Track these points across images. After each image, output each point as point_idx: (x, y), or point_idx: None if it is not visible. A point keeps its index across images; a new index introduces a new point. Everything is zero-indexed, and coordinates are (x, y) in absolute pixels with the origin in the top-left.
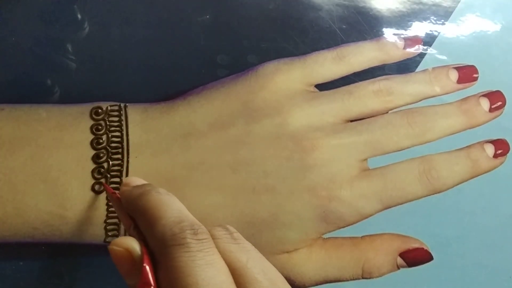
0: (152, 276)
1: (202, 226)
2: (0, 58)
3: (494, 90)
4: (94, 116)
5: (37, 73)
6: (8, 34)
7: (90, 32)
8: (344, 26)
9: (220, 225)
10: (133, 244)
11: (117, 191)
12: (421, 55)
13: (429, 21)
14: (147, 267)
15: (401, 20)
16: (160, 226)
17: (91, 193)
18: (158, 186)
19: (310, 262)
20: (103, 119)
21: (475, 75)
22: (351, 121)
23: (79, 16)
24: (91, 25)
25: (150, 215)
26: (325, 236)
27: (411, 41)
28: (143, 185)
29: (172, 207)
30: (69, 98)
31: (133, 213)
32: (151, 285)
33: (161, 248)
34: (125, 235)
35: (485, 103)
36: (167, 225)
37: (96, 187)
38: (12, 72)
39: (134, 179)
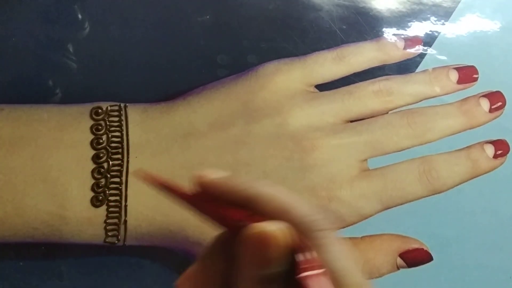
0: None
1: None
2: (0, 58)
3: (494, 90)
4: (94, 116)
5: (38, 73)
6: (9, 34)
7: (91, 32)
8: (344, 27)
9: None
10: (284, 228)
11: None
12: (421, 56)
13: (429, 21)
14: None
15: (401, 20)
16: (296, 211)
17: (91, 193)
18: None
19: None
20: (103, 119)
21: (475, 76)
22: (351, 121)
23: (79, 16)
24: (92, 25)
25: (279, 201)
26: None
27: (411, 41)
28: (231, 175)
29: (292, 195)
30: (69, 98)
31: (243, 201)
32: (321, 266)
33: (304, 233)
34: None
35: (485, 104)
36: (304, 210)
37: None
38: (13, 72)
39: (209, 171)
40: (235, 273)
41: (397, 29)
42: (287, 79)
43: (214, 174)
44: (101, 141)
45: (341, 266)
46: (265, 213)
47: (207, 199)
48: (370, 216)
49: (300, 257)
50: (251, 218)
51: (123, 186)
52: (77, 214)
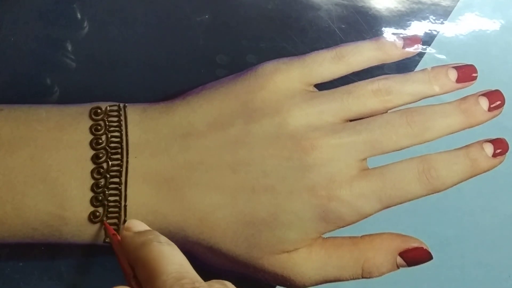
0: None
1: (203, 282)
2: (0, 58)
3: (493, 89)
4: (93, 116)
5: (37, 73)
6: (8, 34)
7: (90, 32)
8: (343, 26)
9: (218, 280)
10: None
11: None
12: (420, 55)
13: (428, 20)
14: None
15: (400, 19)
16: (161, 282)
17: (91, 193)
18: (160, 187)
19: (309, 261)
20: (102, 119)
21: (474, 75)
22: (351, 120)
23: (78, 15)
24: (91, 25)
25: (151, 268)
26: (324, 235)
27: (410, 40)
28: (145, 232)
29: (173, 261)
30: (68, 98)
31: (134, 263)
32: None
33: None
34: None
35: (484, 103)
36: (168, 281)
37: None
38: (11, 72)
39: (136, 223)
40: None
41: (396, 28)
42: (286, 79)
43: (136, 228)
44: (101, 141)
45: None
46: (140, 277)
47: (121, 249)
48: (370, 215)
49: None
50: (131, 281)
51: (123, 186)
52: (76, 214)
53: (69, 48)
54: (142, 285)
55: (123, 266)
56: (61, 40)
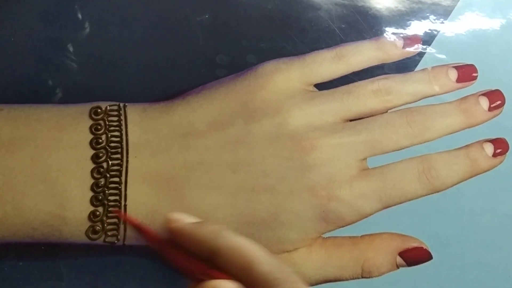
0: None
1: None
2: (1, 58)
3: (493, 89)
4: (93, 116)
5: (38, 73)
6: (8, 34)
7: (91, 32)
8: (343, 26)
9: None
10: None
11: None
12: (420, 54)
13: (428, 20)
14: None
15: (400, 19)
16: (257, 268)
17: (91, 193)
18: (160, 186)
19: (309, 261)
20: (102, 119)
21: (474, 74)
22: (351, 120)
23: (79, 16)
24: (92, 25)
25: (242, 258)
26: (324, 235)
27: (410, 40)
28: (204, 221)
29: (255, 247)
30: (69, 97)
31: (207, 252)
32: None
33: None
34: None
35: (484, 102)
36: (265, 267)
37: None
38: (13, 72)
39: (182, 215)
40: None
41: (396, 28)
42: (286, 79)
43: (186, 219)
44: (101, 141)
45: None
46: (226, 268)
47: (175, 247)
48: (370, 215)
49: None
50: (210, 273)
51: (123, 186)
52: (76, 214)
53: (70, 48)
54: (235, 274)
55: (188, 261)
56: (62, 40)
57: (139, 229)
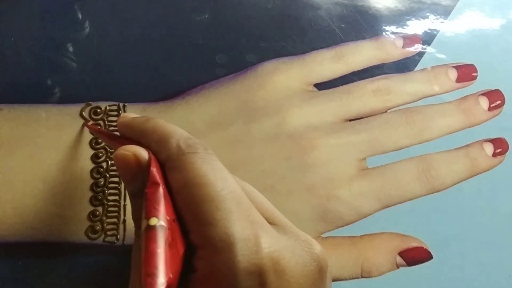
0: (160, 177)
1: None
2: (1, 58)
3: (493, 89)
4: (93, 116)
5: (38, 73)
6: (8, 34)
7: (90, 32)
8: (343, 25)
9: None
10: (140, 150)
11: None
12: (420, 54)
13: (428, 19)
14: (154, 169)
15: (400, 19)
16: (174, 139)
17: (90, 193)
18: None
19: None
20: (102, 119)
21: (474, 74)
22: (350, 120)
23: (79, 16)
24: (92, 25)
25: (161, 132)
26: (324, 235)
27: (410, 40)
28: (143, 116)
29: (178, 129)
30: (68, 97)
31: (138, 136)
32: (159, 184)
33: (176, 156)
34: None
35: (484, 102)
36: (181, 138)
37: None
38: (13, 72)
39: (131, 113)
40: None
41: (396, 28)
42: (286, 78)
43: (132, 115)
44: (100, 140)
45: (202, 180)
46: (149, 145)
47: (122, 139)
48: (369, 214)
49: (151, 172)
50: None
51: (122, 185)
52: (76, 213)
53: (70, 48)
54: (152, 150)
55: (117, 142)
56: (62, 40)
57: (95, 130)
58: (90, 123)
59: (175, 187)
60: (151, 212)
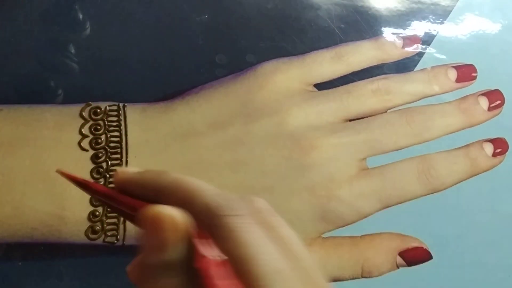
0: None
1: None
2: (1, 58)
3: (493, 89)
4: (92, 116)
5: (38, 74)
6: (9, 35)
7: (91, 33)
8: (343, 25)
9: (255, 198)
10: (179, 213)
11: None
12: (420, 54)
13: (427, 20)
14: (204, 240)
15: (399, 19)
16: (201, 198)
17: None
18: None
19: None
20: (101, 119)
21: (474, 74)
22: (350, 120)
23: (80, 16)
24: (92, 26)
25: (184, 190)
26: (324, 235)
27: (409, 40)
28: (148, 170)
29: (202, 183)
30: (69, 98)
31: (153, 193)
32: (214, 257)
33: (206, 221)
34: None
35: (484, 102)
36: (209, 196)
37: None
38: (14, 73)
39: (128, 168)
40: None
41: (396, 28)
42: (285, 79)
43: (131, 170)
44: (100, 141)
45: (247, 254)
46: (170, 203)
47: (121, 195)
48: (369, 215)
49: (199, 245)
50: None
51: None
52: (76, 214)
53: (71, 49)
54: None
55: (129, 203)
56: (63, 41)
57: (84, 184)
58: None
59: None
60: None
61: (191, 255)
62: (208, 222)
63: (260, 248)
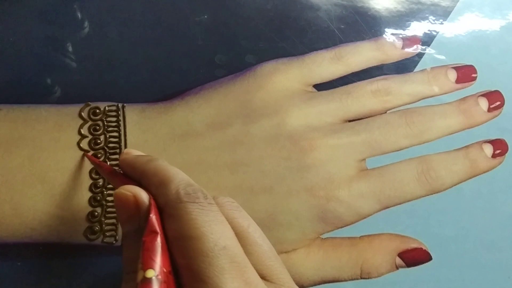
0: (158, 224)
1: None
2: (0, 58)
3: (492, 90)
4: (91, 116)
5: (37, 73)
6: (7, 34)
7: (90, 32)
8: (342, 26)
9: (221, 195)
10: (141, 192)
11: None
12: (420, 55)
13: (427, 20)
14: (154, 217)
15: (399, 20)
16: (174, 185)
17: (89, 194)
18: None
19: (308, 262)
20: (101, 119)
21: (473, 75)
22: (350, 121)
23: (79, 15)
24: (91, 25)
25: (162, 176)
26: (323, 236)
27: (409, 41)
28: (146, 155)
29: (180, 173)
30: (67, 97)
31: (140, 177)
32: (157, 232)
33: (173, 203)
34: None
35: (483, 103)
36: (181, 185)
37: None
38: (12, 72)
39: (134, 150)
40: None
41: (396, 29)
42: (285, 79)
43: (134, 152)
44: (99, 141)
45: (198, 233)
46: (149, 187)
47: (119, 175)
48: (369, 215)
49: (152, 222)
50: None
51: None
52: (74, 214)
53: (69, 48)
54: (151, 192)
55: (120, 180)
56: (62, 40)
57: (97, 164)
58: (91, 153)
59: (171, 237)
60: (148, 263)
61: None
62: (174, 205)
63: (209, 228)
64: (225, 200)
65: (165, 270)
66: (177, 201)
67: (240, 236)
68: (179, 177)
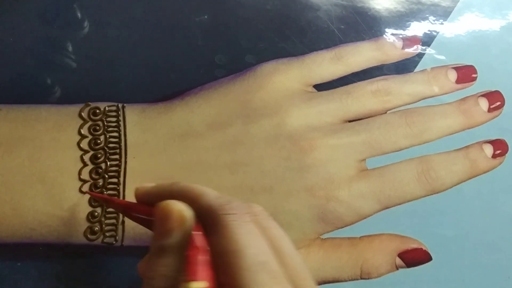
0: (202, 241)
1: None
2: (0, 57)
3: (493, 90)
4: (91, 116)
5: (37, 73)
6: (7, 34)
7: (90, 32)
8: (342, 26)
9: (253, 203)
10: (186, 208)
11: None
12: (420, 55)
13: (427, 21)
14: (199, 233)
15: (399, 20)
16: (205, 199)
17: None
18: None
19: (308, 262)
20: (100, 120)
21: (474, 75)
22: (350, 121)
23: (79, 15)
24: (91, 25)
25: (191, 193)
26: (323, 236)
27: (409, 41)
28: (162, 183)
29: (206, 188)
30: (67, 97)
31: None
32: (202, 247)
33: (209, 218)
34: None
35: (484, 103)
36: (212, 198)
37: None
38: (12, 72)
39: (147, 184)
40: None
41: (396, 29)
42: (285, 79)
43: (147, 185)
44: (99, 141)
45: (236, 247)
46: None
47: (138, 204)
48: (369, 216)
49: (195, 237)
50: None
51: (121, 186)
52: (75, 214)
53: (69, 48)
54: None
55: (145, 210)
56: (61, 39)
57: (105, 200)
58: (90, 186)
59: (212, 251)
60: (194, 275)
61: (187, 244)
62: (209, 220)
63: (248, 242)
64: (259, 209)
65: (208, 284)
66: (211, 215)
67: (274, 247)
68: (207, 191)
